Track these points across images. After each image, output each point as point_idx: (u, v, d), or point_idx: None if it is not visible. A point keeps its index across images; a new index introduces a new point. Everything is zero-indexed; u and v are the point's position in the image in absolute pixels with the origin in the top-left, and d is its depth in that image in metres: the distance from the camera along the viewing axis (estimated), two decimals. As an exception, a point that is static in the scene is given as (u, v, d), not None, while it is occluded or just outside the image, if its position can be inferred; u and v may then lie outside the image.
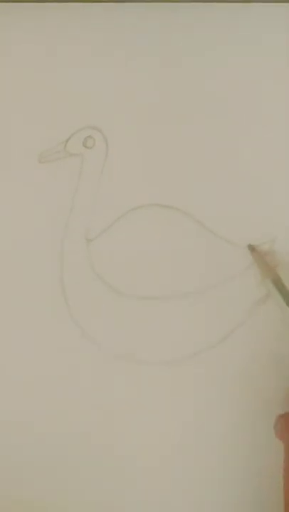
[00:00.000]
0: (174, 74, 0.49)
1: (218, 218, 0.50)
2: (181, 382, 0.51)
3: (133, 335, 0.51)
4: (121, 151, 0.50)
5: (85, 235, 0.50)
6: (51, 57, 0.49)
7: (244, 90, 0.49)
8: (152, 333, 0.51)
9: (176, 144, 0.50)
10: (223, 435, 0.51)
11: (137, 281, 0.51)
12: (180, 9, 0.48)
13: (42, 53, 0.49)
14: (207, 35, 0.49)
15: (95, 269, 0.51)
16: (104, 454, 0.51)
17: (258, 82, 0.49)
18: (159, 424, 0.51)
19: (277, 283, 0.48)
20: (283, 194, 0.50)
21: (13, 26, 0.49)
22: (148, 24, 0.49)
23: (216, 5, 0.48)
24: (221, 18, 0.48)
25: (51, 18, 0.49)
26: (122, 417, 0.51)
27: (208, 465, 0.51)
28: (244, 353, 0.51)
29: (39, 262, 0.50)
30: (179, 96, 0.49)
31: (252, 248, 0.50)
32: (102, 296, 0.51)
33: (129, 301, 0.51)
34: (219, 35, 0.49)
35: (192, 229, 0.50)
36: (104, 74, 0.49)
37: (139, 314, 0.51)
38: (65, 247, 0.50)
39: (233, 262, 0.50)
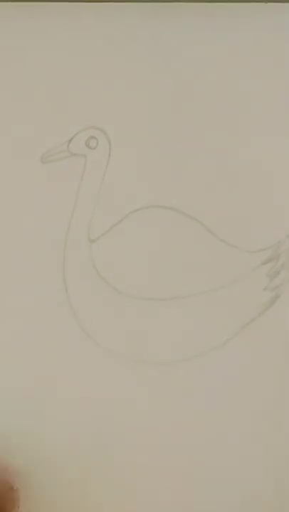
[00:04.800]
0: (176, 75, 0.48)
1: (220, 221, 0.49)
2: (183, 382, 0.51)
3: (135, 335, 0.51)
4: (124, 152, 0.50)
5: (88, 236, 0.50)
6: (54, 58, 0.49)
7: (245, 90, 0.48)
8: (153, 334, 0.51)
9: (178, 146, 0.49)
10: (224, 435, 0.51)
11: (139, 282, 0.50)
12: (180, 9, 0.47)
13: (45, 54, 0.49)
14: (207, 36, 0.47)
15: (97, 270, 0.51)
16: (104, 453, 0.52)
17: (258, 82, 0.48)
18: (160, 423, 0.51)
19: None
20: (286, 197, 0.49)
21: (15, 26, 0.49)
22: (149, 24, 0.48)
23: (216, 5, 0.46)
24: (221, 18, 0.47)
25: (54, 18, 0.48)
26: (123, 416, 0.52)
27: (209, 464, 0.52)
28: (247, 355, 0.50)
29: (42, 262, 0.51)
30: (182, 98, 0.48)
31: None
32: (105, 296, 0.51)
33: (131, 301, 0.50)
34: (219, 35, 0.47)
35: (194, 231, 0.50)
36: (108, 75, 0.49)
37: (140, 315, 0.51)
38: (67, 248, 0.51)
39: (235, 266, 0.49)
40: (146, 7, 0.47)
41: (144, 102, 0.49)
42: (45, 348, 0.51)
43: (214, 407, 0.51)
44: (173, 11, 0.47)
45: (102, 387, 0.51)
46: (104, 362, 0.51)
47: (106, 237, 0.50)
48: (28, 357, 0.52)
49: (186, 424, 0.51)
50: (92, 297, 0.51)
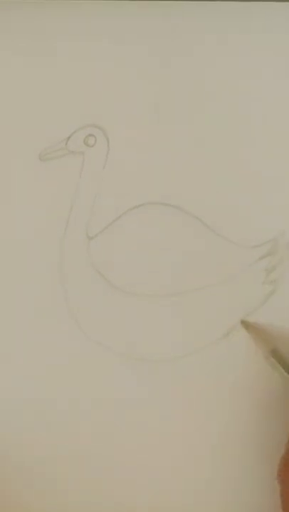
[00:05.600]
0: (174, 72, 0.49)
1: (219, 217, 0.50)
2: (183, 378, 0.51)
3: (133, 332, 0.51)
4: (122, 150, 0.50)
5: (86, 233, 0.50)
6: (52, 55, 0.49)
7: (244, 88, 0.49)
8: (152, 331, 0.51)
9: (177, 142, 0.50)
10: (222, 433, 0.51)
11: (137, 279, 0.51)
12: (181, 9, 0.48)
13: (43, 51, 0.49)
14: (207, 35, 0.48)
15: (95, 267, 0.51)
16: (103, 452, 0.51)
17: (258, 81, 0.49)
18: (161, 421, 0.51)
19: (277, 355, 0.48)
20: (285, 193, 0.50)
21: (14, 23, 0.49)
22: (149, 23, 0.48)
23: (217, 4, 0.48)
24: (221, 18, 0.48)
25: (52, 16, 0.49)
26: (123, 414, 0.51)
27: (208, 464, 0.52)
28: (244, 352, 0.51)
29: (39, 259, 0.51)
30: (180, 94, 0.49)
31: (246, 325, 0.50)
32: (103, 293, 0.51)
33: (130, 298, 0.51)
34: (219, 35, 0.48)
35: (193, 228, 0.50)
36: (106, 72, 0.49)
37: (139, 312, 0.51)
38: (65, 245, 0.50)
39: (234, 261, 0.50)
40: (147, 6, 0.48)
41: (143, 100, 0.49)
42: (42, 347, 0.51)
43: (215, 401, 0.51)
44: (173, 10, 0.48)
45: (102, 386, 0.51)
46: (103, 360, 0.51)
47: (104, 234, 0.51)
48: (24, 355, 0.51)
49: (187, 421, 0.51)
50: (90, 294, 0.51)
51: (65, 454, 0.52)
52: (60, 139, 0.50)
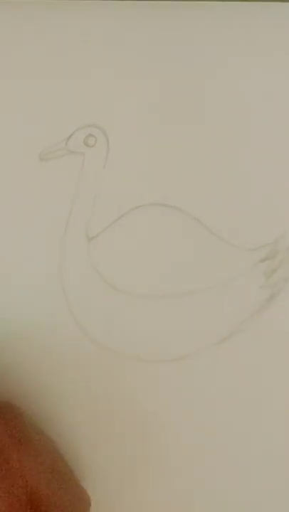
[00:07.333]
0: (175, 73, 0.49)
1: (219, 219, 0.50)
2: (182, 380, 0.51)
3: (133, 333, 0.51)
4: (122, 150, 0.50)
5: (86, 234, 0.50)
6: (52, 55, 0.49)
7: (245, 90, 0.49)
8: (152, 332, 0.51)
9: (177, 143, 0.49)
10: (224, 434, 0.51)
11: (137, 280, 0.51)
12: (181, 8, 0.47)
13: (43, 51, 0.49)
14: (207, 35, 0.48)
15: (95, 267, 0.51)
16: (101, 452, 0.52)
17: (258, 82, 0.48)
18: (158, 422, 0.51)
19: None
20: (286, 195, 0.49)
21: (14, 23, 0.49)
22: (149, 23, 0.48)
23: (216, 4, 0.47)
24: (221, 18, 0.48)
25: (52, 16, 0.48)
26: (121, 414, 0.51)
27: (210, 465, 0.52)
28: (245, 354, 0.50)
29: (39, 259, 0.51)
30: (180, 95, 0.49)
31: None
32: (103, 294, 0.51)
33: (130, 299, 0.51)
34: (219, 35, 0.48)
35: (193, 229, 0.50)
36: (106, 72, 0.49)
37: (139, 313, 0.51)
38: (65, 245, 0.50)
39: (233, 263, 0.50)
40: (147, 5, 0.47)
41: (142, 100, 0.49)
42: (43, 347, 0.51)
43: (213, 404, 0.51)
44: (173, 10, 0.47)
45: (101, 386, 0.51)
46: (103, 360, 0.51)
47: (104, 234, 0.50)
48: (25, 356, 0.51)
49: (186, 422, 0.51)
50: (90, 295, 0.51)
51: (65, 452, 0.52)
52: (60, 139, 0.50)
